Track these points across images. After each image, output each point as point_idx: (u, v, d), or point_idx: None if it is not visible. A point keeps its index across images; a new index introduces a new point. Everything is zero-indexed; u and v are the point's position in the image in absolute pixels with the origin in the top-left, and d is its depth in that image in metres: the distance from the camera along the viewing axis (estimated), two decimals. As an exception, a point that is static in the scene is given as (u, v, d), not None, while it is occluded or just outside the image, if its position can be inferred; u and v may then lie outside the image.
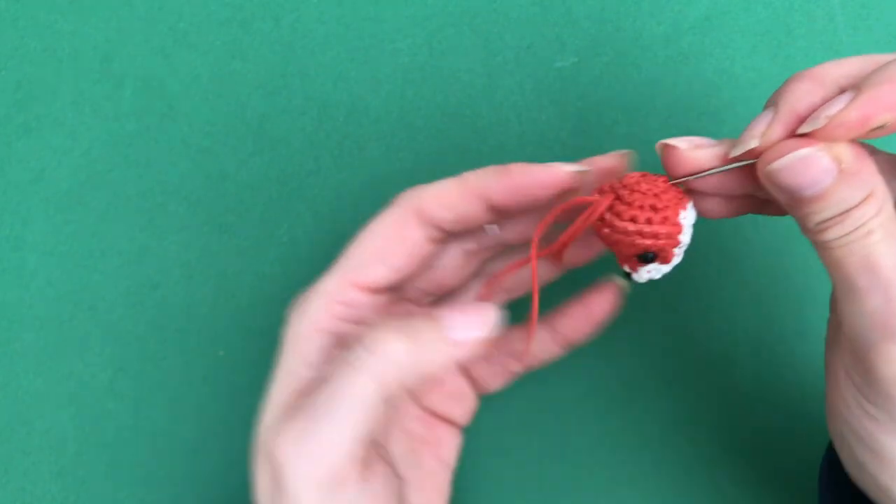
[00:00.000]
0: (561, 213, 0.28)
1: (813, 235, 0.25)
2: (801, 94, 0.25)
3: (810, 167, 0.24)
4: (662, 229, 0.27)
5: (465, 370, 0.33)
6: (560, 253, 0.29)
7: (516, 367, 0.33)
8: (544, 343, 0.32)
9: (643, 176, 0.28)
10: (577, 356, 0.39)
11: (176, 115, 0.40)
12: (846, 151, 0.24)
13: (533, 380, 0.39)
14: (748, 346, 0.38)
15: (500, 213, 0.29)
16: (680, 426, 0.38)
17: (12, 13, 0.40)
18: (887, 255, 0.24)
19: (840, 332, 0.27)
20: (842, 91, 0.25)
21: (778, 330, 0.38)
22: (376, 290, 0.30)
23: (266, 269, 0.39)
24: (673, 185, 0.27)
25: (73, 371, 0.39)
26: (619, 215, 0.27)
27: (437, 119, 0.40)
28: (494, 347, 0.32)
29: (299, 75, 0.40)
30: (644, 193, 0.27)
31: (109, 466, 0.38)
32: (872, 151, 0.27)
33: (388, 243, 0.29)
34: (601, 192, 0.28)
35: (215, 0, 0.40)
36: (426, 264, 0.31)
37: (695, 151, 0.27)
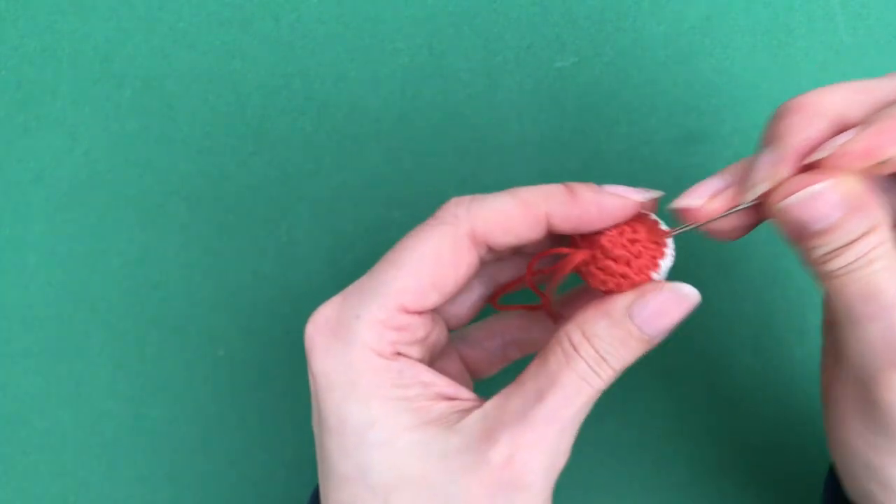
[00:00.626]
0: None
1: (815, 266, 0.25)
2: (798, 129, 0.25)
3: (821, 203, 0.24)
4: (637, 281, 0.26)
5: (463, 356, 0.32)
6: (547, 302, 0.29)
7: (515, 354, 0.32)
8: (547, 329, 0.31)
9: (628, 225, 0.27)
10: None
11: (176, 115, 0.40)
12: (855, 186, 0.24)
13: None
14: (748, 345, 0.38)
15: (553, 237, 0.27)
16: (680, 426, 0.38)
17: (12, 13, 0.40)
18: (889, 282, 0.24)
19: (838, 361, 0.26)
20: (834, 123, 0.25)
21: (778, 330, 0.38)
22: (423, 314, 0.27)
23: (266, 269, 0.39)
24: (654, 235, 0.27)
25: (73, 371, 0.39)
26: (593, 274, 0.27)
27: (437, 119, 0.40)
28: (493, 333, 0.32)
29: (299, 75, 0.40)
30: (623, 247, 0.26)
31: (109, 466, 0.38)
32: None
33: (444, 269, 0.26)
34: (582, 241, 0.27)
35: (215, 0, 0.40)
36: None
37: (710, 205, 0.26)
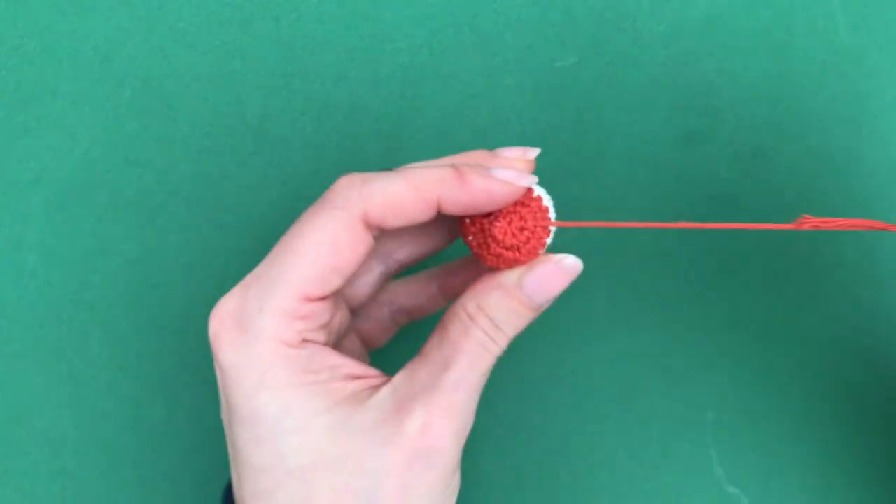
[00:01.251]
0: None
1: None
2: None
3: None
4: (525, 261, 0.28)
5: (356, 330, 0.33)
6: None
7: (403, 320, 0.33)
8: (432, 296, 0.33)
9: (516, 213, 0.28)
10: (577, 356, 0.39)
11: (176, 115, 0.40)
12: None
13: (533, 380, 0.39)
14: (748, 345, 0.38)
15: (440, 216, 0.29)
16: (679, 426, 0.38)
17: (12, 13, 0.40)
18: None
19: None
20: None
21: (778, 329, 0.38)
22: (326, 299, 0.27)
23: (266, 269, 0.39)
24: (541, 221, 0.29)
25: (73, 371, 0.39)
26: (486, 258, 0.28)
27: (437, 119, 0.40)
28: (381, 304, 0.33)
29: (299, 75, 0.40)
30: (513, 236, 0.28)
31: (109, 466, 0.38)
32: None
33: (342, 254, 0.27)
34: (471, 221, 0.29)
35: (215, 0, 0.40)
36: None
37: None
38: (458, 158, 0.30)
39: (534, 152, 0.30)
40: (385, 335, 0.34)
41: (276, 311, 0.26)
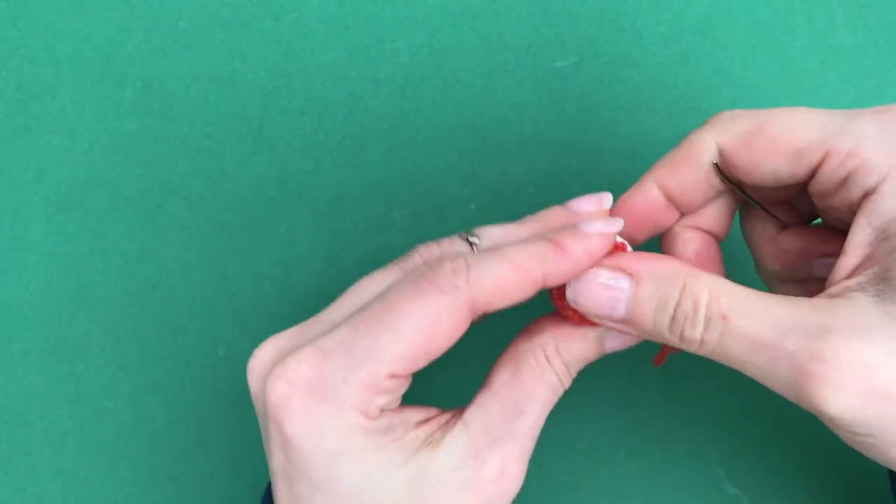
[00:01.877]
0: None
1: (696, 350, 0.26)
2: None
3: (597, 294, 0.27)
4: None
5: None
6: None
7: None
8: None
9: None
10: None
11: (176, 115, 0.40)
12: (620, 261, 0.27)
13: (533, 380, 0.39)
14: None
15: None
16: (680, 426, 0.38)
17: (12, 13, 0.40)
18: (753, 328, 0.24)
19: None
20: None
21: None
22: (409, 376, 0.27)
23: (266, 269, 0.39)
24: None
25: (73, 371, 0.39)
26: (573, 318, 0.28)
27: (437, 119, 0.40)
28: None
29: (299, 75, 0.40)
30: None
31: (109, 466, 0.38)
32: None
33: (439, 338, 0.26)
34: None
35: (215, 0, 0.40)
36: None
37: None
38: (538, 224, 0.29)
39: (608, 200, 0.30)
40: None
41: (362, 385, 0.25)
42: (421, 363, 0.26)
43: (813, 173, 0.26)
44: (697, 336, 0.25)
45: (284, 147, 0.40)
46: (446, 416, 0.28)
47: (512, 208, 0.39)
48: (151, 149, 0.40)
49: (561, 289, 0.28)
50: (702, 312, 0.25)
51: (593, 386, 0.38)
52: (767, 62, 0.39)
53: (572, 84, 0.39)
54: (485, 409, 0.27)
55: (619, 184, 0.39)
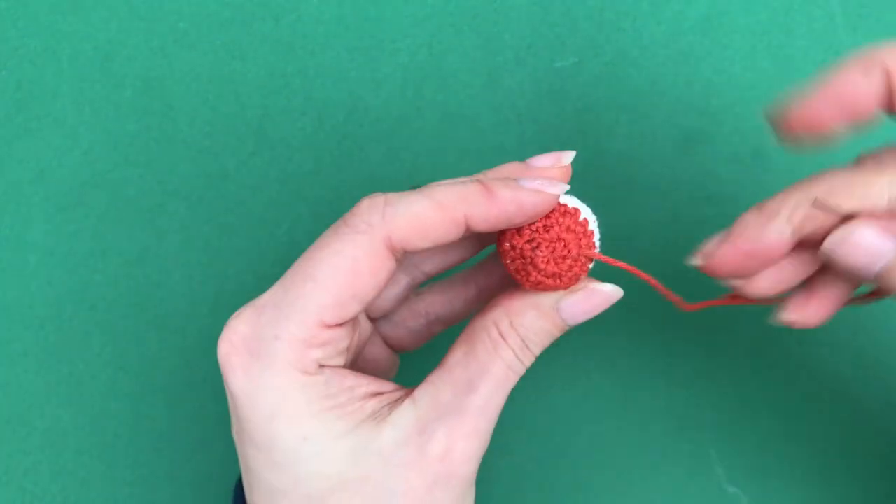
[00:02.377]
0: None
1: None
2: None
3: (861, 244, 0.24)
4: (567, 286, 0.27)
5: (386, 336, 0.32)
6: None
7: (439, 329, 0.32)
8: (469, 300, 0.32)
9: (558, 238, 0.27)
10: (577, 356, 0.39)
11: (176, 115, 0.40)
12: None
13: (533, 380, 0.39)
14: (748, 344, 0.38)
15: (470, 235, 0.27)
16: (680, 426, 0.38)
17: (12, 13, 0.40)
18: None
19: None
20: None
21: (778, 328, 0.38)
22: (343, 325, 0.26)
23: (266, 269, 0.39)
24: (584, 249, 0.27)
25: (73, 371, 0.39)
26: (526, 283, 0.27)
27: (437, 119, 0.40)
28: (417, 314, 0.32)
29: (299, 75, 0.40)
30: (556, 264, 0.27)
31: (109, 466, 0.38)
32: None
33: (362, 280, 0.25)
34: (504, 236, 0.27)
35: (215, 0, 0.40)
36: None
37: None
38: (490, 173, 0.28)
39: (568, 156, 0.29)
40: (419, 342, 0.33)
41: (293, 339, 0.25)
42: (351, 308, 0.25)
43: None
44: None
45: (284, 147, 0.40)
46: (397, 394, 0.27)
47: (512, 208, 0.39)
48: (151, 149, 0.40)
49: (515, 249, 0.27)
50: None
51: (593, 386, 0.38)
52: (767, 62, 0.39)
53: (572, 84, 0.39)
54: (435, 387, 0.26)
55: (619, 184, 0.39)
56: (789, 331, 0.38)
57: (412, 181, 0.40)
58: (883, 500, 0.37)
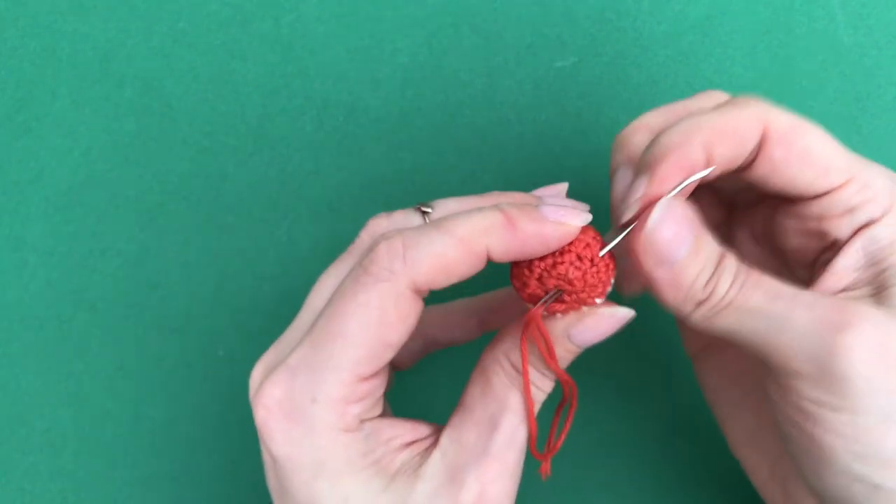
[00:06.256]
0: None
1: (696, 315, 0.26)
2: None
3: (671, 225, 0.26)
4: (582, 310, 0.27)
5: None
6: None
7: (433, 349, 0.33)
8: (469, 329, 0.32)
9: (589, 273, 0.27)
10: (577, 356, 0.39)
11: (176, 115, 0.40)
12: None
13: (533, 380, 0.39)
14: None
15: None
16: (680, 426, 0.38)
17: (12, 13, 0.40)
18: (774, 283, 0.25)
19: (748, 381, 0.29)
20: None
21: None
22: (378, 374, 0.26)
23: (266, 269, 0.39)
24: (606, 274, 0.27)
25: (73, 371, 0.39)
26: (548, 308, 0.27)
27: (437, 119, 0.40)
28: (416, 335, 0.31)
29: (299, 75, 0.40)
30: (584, 292, 0.27)
31: (109, 466, 0.38)
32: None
33: (392, 329, 0.25)
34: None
35: (215, 0, 0.40)
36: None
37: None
38: (503, 197, 0.28)
39: (564, 188, 0.29)
40: (414, 360, 0.33)
41: (331, 401, 0.25)
42: (384, 357, 0.25)
43: (823, 193, 0.27)
44: (724, 288, 0.25)
45: (284, 147, 0.40)
46: (429, 440, 0.27)
47: (512, 208, 0.39)
48: (151, 149, 0.40)
49: (525, 265, 0.27)
50: (734, 270, 0.26)
51: (593, 386, 0.38)
52: (767, 62, 0.39)
53: (572, 84, 0.39)
54: (459, 430, 0.26)
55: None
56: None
57: (412, 181, 0.40)
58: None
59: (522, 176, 0.39)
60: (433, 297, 0.33)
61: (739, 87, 0.39)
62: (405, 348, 0.32)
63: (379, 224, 0.28)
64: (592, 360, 0.38)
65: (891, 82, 0.39)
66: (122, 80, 0.40)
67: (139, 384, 0.39)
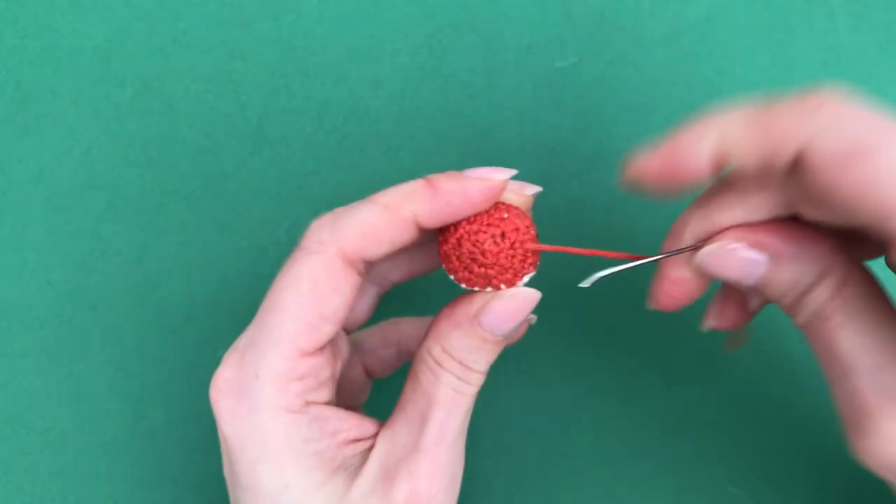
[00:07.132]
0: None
1: (794, 321, 0.25)
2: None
3: (732, 258, 0.25)
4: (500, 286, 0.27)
5: (361, 361, 0.33)
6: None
7: (408, 358, 0.33)
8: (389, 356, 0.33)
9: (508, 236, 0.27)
10: (577, 356, 0.39)
11: (176, 115, 0.40)
12: (768, 236, 0.25)
13: (533, 380, 0.39)
14: (748, 346, 0.38)
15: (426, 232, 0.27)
16: (680, 426, 0.38)
17: (12, 13, 0.40)
18: (845, 341, 0.24)
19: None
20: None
21: (777, 328, 0.38)
22: (323, 349, 0.26)
23: (266, 269, 0.39)
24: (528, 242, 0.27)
25: (73, 371, 0.39)
26: (463, 278, 0.27)
27: (437, 119, 0.40)
28: (389, 343, 0.32)
29: (299, 75, 0.40)
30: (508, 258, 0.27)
31: (109, 466, 0.38)
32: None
33: (327, 299, 0.25)
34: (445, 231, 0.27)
35: (215, 0, 0.40)
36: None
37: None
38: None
39: (507, 173, 0.28)
40: (388, 369, 0.33)
41: (273, 375, 0.25)
42: (325, 330, 0.25)
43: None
44: (802, 320, 0.25)
45: (284, 147, 0.40)
46: (373, 440, 0.27)
47: (512, 208, 0.39)
48: (151, 149, 0.40)
49: (449, 238, 0.26)
50: (812, 302, 0.25)
51: (593, 386, 0.39)
52: (767, 62, 0.39)
53: (572, 84, 0.39)
54: (392, 429, 0.27)
55: (619, 184, 0.39)
56: (790, 330, 0.38)
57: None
58: (883, 500, 0.37)
59: (522, 176, 0.39)
60: (410, 309, 0.34)
61: (739, 87, 0.39)
62: (379, 357, 0.33)
63: (321, 215, 0.28)
64: (592, 360, 0.38)
65: (891, 82, 0.39)
66: (122, 80, 0.40)
67: (139, 384, 0.39)
